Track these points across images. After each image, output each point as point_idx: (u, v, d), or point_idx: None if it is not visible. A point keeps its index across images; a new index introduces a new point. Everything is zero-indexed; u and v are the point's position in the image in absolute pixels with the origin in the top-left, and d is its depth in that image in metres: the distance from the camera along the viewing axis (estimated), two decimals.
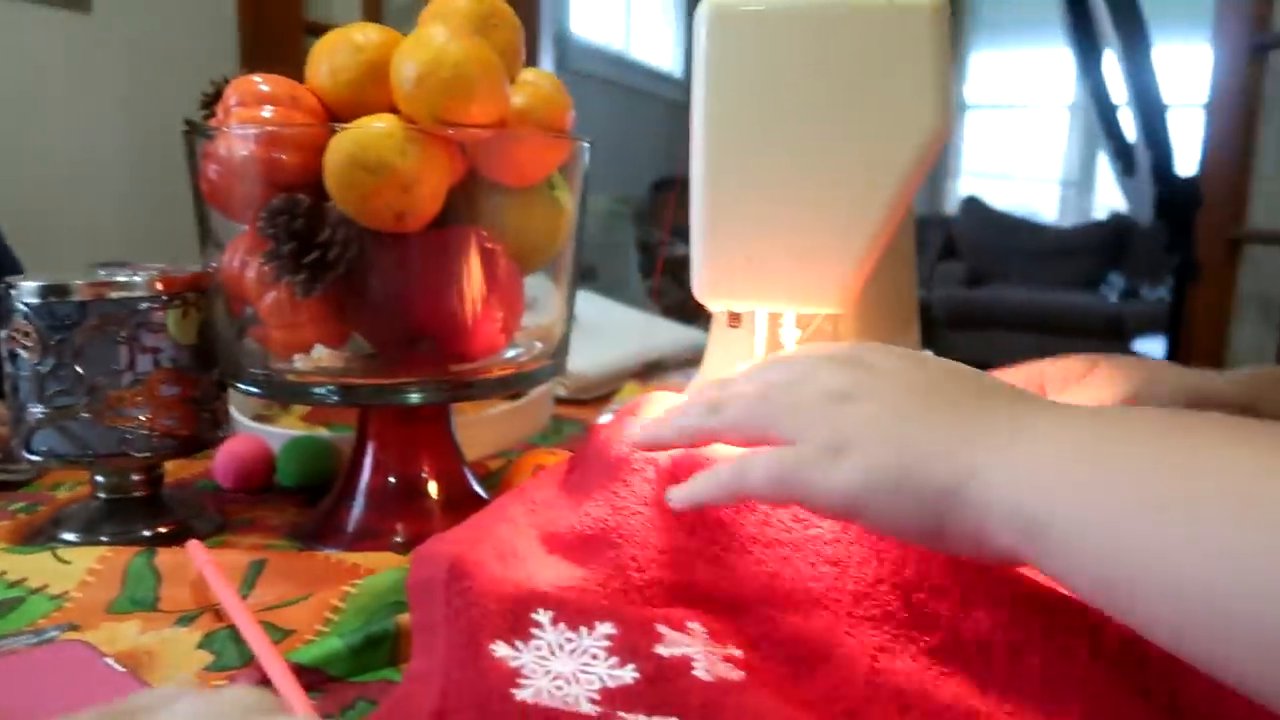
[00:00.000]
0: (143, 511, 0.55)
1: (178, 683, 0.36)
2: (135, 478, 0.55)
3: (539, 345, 0.56)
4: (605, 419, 0.80)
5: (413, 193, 0.46)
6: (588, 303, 1.20)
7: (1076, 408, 0.33)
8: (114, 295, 0.51)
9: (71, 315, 0.50)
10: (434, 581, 0.38)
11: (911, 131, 0.43)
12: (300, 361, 0.50)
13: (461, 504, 0.56)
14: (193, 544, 0.48)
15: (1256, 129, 1.80)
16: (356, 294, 0.50)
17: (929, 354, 0.39)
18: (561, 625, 0.37)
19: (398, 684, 0.37)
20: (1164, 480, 0.27)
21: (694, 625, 0.38)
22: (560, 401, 0.86)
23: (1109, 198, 4.82)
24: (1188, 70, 3.19)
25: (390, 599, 0.43)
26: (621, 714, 0.32)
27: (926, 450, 0.32)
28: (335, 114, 0.50)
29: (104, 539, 0.53)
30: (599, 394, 0.90)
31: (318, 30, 2.14)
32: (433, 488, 0.55)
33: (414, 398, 0.50)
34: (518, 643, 0.35)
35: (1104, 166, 5.01)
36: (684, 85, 4.97)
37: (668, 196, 3.47)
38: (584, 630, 0.36)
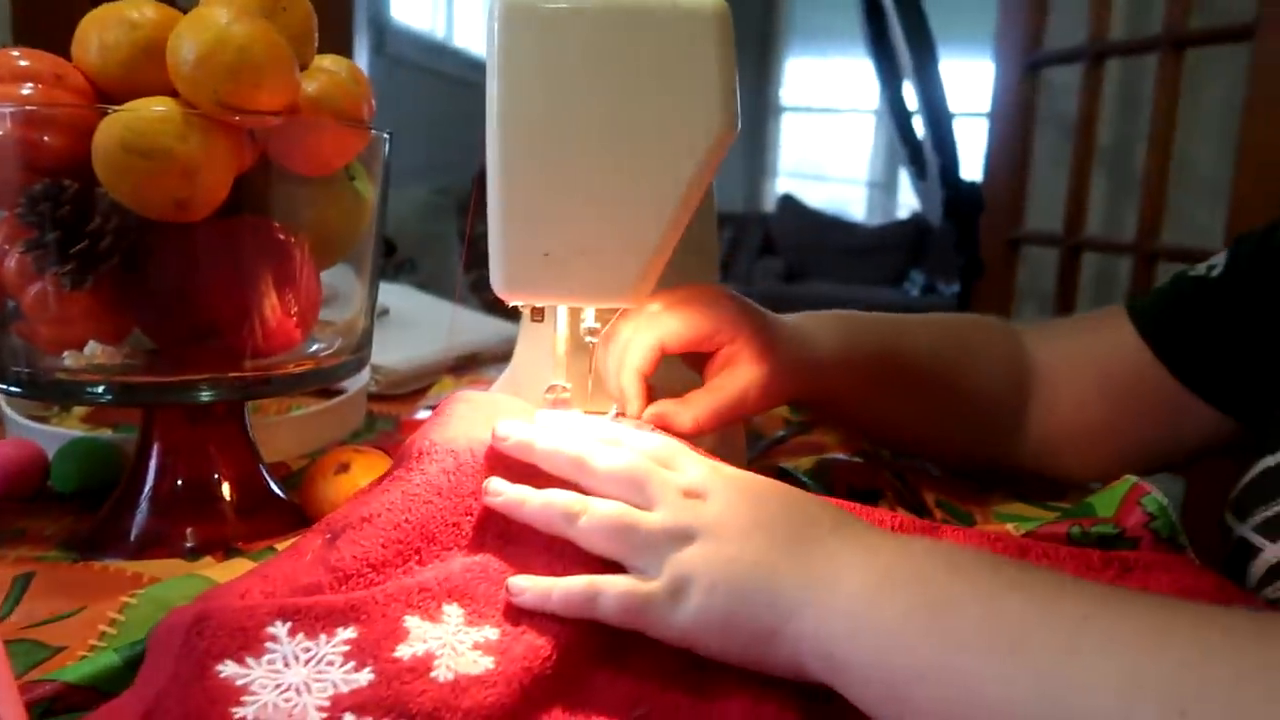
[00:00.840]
0: None
1: None
2: None
3: (340, 341, 0.54)
4: (421, 415, 0.79)
5: (194, 180, 0.44)
6: (401, 296, 1.17)
7: (879, 542, 0.37)
8: None
9: None
10: (177, 626, 0.36)
11: (698, 132, 0.45)
12: (70, 359, 0.47)
13: (258, 507, 0.54)
14: None
15: (1031, 138, 1.98)
16: (135, 286, 0.47)
17: (757, 479, 0.42)
18: (300, 635, 0.35)
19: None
20: (927, 621, 0.33)
21: (451, 608, 0.38)
22: (373, 397, 0.84)
23: (910, 199, 5.16)
24: (972, 83, 3.45)
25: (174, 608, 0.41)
26: (349, 718, 0.31)
27: (752, 595, 0.36)
28: (105, 94, 0.47)
29: None
30: (412, 389, 0.88)
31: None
32: (226, 490, 0.53)
33: (203, 396, 0.48)
34: (249, 659, 0.34)
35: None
36: None
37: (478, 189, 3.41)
38: (323, 637, 0.35)
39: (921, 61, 1.68)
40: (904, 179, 5.48)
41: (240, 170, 0.47)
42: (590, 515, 0.39)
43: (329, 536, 0.43)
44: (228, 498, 0.53)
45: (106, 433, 0.64)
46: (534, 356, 0.58)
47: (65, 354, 0.47)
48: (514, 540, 0.41)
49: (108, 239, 0.44)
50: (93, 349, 0.47)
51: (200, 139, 0.44)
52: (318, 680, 0.33)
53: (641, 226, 0.44)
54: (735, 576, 0.36)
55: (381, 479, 0.47)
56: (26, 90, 0.45)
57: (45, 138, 0.44)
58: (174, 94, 0.46)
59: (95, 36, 0.46)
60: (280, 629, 0.35)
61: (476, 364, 0.99)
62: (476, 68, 4.76)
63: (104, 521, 0.52)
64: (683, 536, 0.38)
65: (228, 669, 0.33)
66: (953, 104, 1.85)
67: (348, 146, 0.51)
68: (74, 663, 0.37)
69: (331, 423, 0.71)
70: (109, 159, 0.43)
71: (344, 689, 0.33)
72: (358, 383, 0.75)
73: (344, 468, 0.55)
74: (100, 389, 0.46)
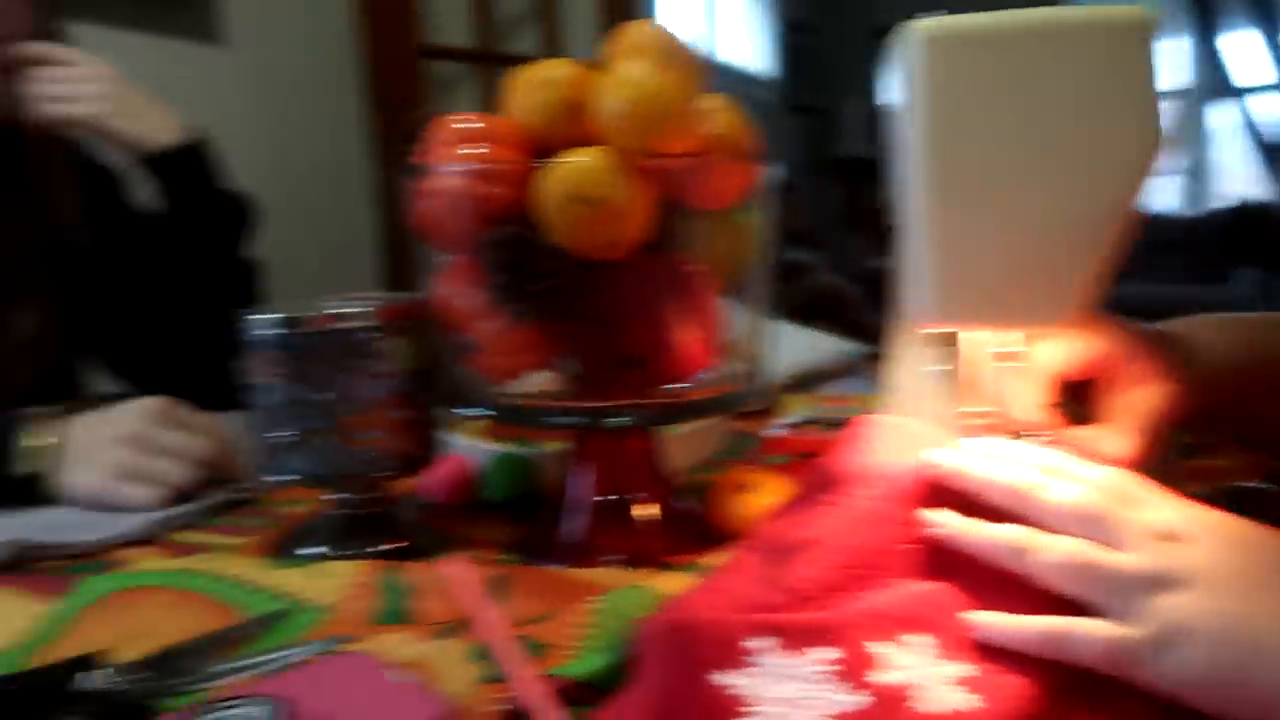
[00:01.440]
0: (374, 528, 0.59)
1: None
2: (366, 496, 0.59)
3: (740, 364, 0.57)
4: (773, 431, 0.82)
5: (625, 222, 0.49)
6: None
7: None
8: (344, 326, 0.55)
9: (309, 345, 0.54)
10: (658, 635, 0.40)
11: (1130, 147, 0.44)
12: (522, 386, 0.53)
13: (671, 522, 0.58)
14: (448, 560, 0.51)
15: None
16: (569, 320, 0.52)
17: (1235, 520, 0.40)
18: (780, 651, 0.38)
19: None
20: None
21: (917, 639, 0.39)
22: None
23: (1233, 185, 4.62)
24: None
25: (634, 616, 0.45)
26: None
27: (1259, 653, 0.34)
28: (536, 147, 0.52)
29: (345, 554, 0.57)
30: (759, 407, 0.91)
31: (432, 54, 2.22)
32: (645, 507, 0.58)
33: (629, 420, 0.52)
34: (736, 670, 0.37)
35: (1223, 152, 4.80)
36: (771, 86, 5.01)
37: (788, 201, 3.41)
38: (802, 656, 0.38)
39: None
40: (1217, 164, 4.91)
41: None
42: (1045, 552, 0.39)
43: (768, 557, 0.46)
44: (647, 514, 0.58)
45: (517, 447, 0.72)
46: (918, 381, 0.58)
47: (519, 381, 0.53)
48: (961, 571, 0.42)
49: (551, 279, 0.50)
50: (538, 377, 0.53)
51: (629, 184, 0.49)
52: (808, 696, 0.35)
53: (1076, 246, 0.44)
54: (1234, 631, 0.35)
55: (803, 502, 0.49)
56: (472, 150, 0.52)
57: (492, 190, 0.51)
58: (591, 143, 0.51)
59: (522, 97, 0.52)
60: (760, 644, 0.38)
61: (814, 381, 1.01)
62: (744, 81, 4.82)
63: (539, 531, 0.59)
64: (1163, 582, 0.36)
65: (720, 678, 0.36)
66: None
67: (743, 180, 0.54)
68: (567, 661, 0.43)
69: (703, 441, 0.75)
70: (554, 206, 0.49)
71: (839, 708, 0.35)
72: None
73: (744, 487, 0.58)
74: (560, 415, 0.52)
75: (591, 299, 0.51)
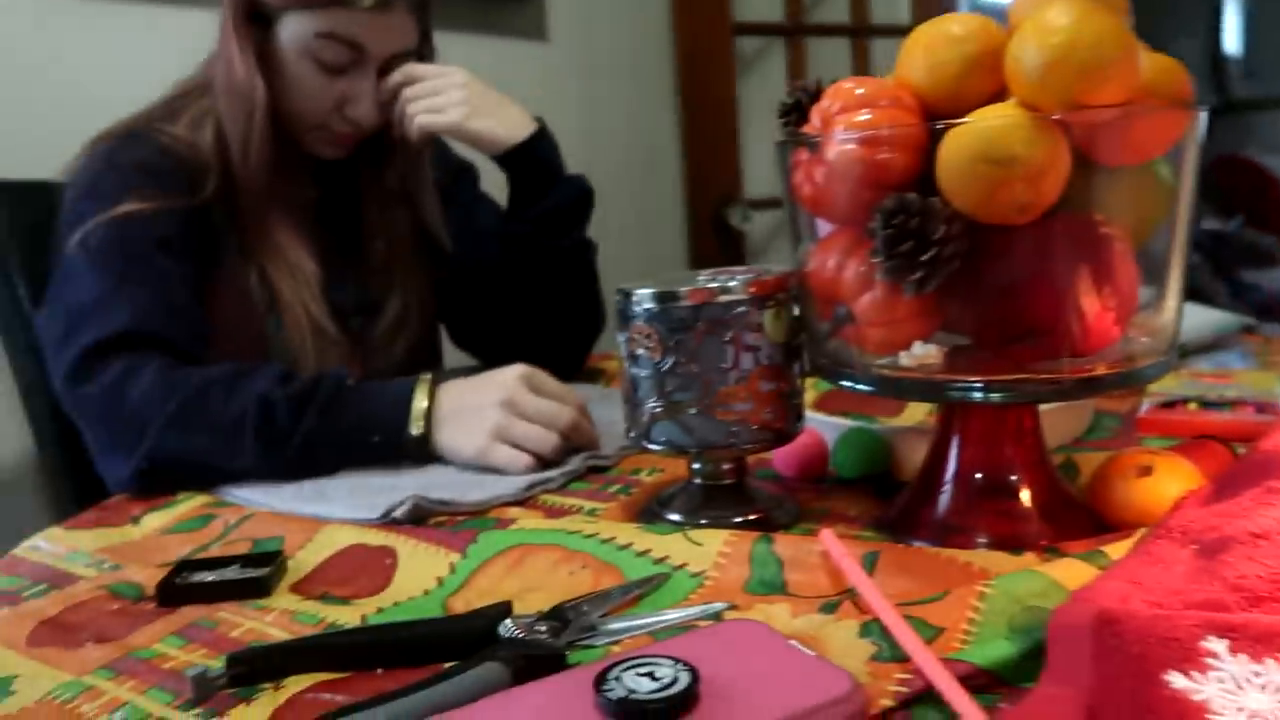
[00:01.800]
0: (732, 498, 0.59)
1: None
2: (725, 466, 0.59)
3: (1145, 339, 0.51)
4: (1145, 411, 0.73)
5: (1039, 184, 0.45)
6: None
7: None
8: (720, 299, 0.55)
9: (686, 318, 0.55)
10: (1081, 626, 0.36)
11: None
12: (905, 358, 0.50)
13: (1055, 510, 0.53)
14: (826, 533, 0.50)
15: None
16: (961, 290, 0.49)
17: None
18: (1242, 656, 0.33)
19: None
20: None
21: None
22: None
23: None
24: None
25: (1025, 604, 0.42)
26: None
27: None
28: (932, 109, 0.50)
29: (704, 521, 0.57)
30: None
31: (744, 30, 2.23)
32: (1023, 489, 0.53)
33: (1028, 396, 0.48)
34: (1194, 674, 0.32)
35: None
36: None
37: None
38: (1271, 663, 0.32)
39: None
40: None
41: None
42: None
43: (1197, 548, 0.41)
44: (1024, 497, 0.53)
45: (852, 421, 0.70)
46: None
47: (900, 354, 0.51)
48: None
49: (951, 246, 0.47)
50: (924, 349, 0.50)
51: (1046, 142, 0.44)
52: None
53: None
54: None
55: (1234, 490, 0.43)
56: (865, 115, 0.50)
57: (890, 156, 0.48)
58: (996, 100, 0.47)
59: (921, 55, 0.49)
60: (1218, 645, 0.33)
61: (1183, 355, 0.90)
62: None
63: (907, 507, 0.56)
64: None
65: (1177, 681, 0.32)
66: None
67: (1170, 132, 0.48)
68: (966, 646, 0.40)
69: (1073, 420, 0.69)
70: (959, 170, 0.46)
71: None
72: None
73: (1146, 471, 0.52)
74: (957, 388, 0.49)
75: (992, 267, 0.48)
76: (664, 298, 0.56)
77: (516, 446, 0.72)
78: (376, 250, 1.03)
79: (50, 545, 0.64)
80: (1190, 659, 0.33)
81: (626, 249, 2.16)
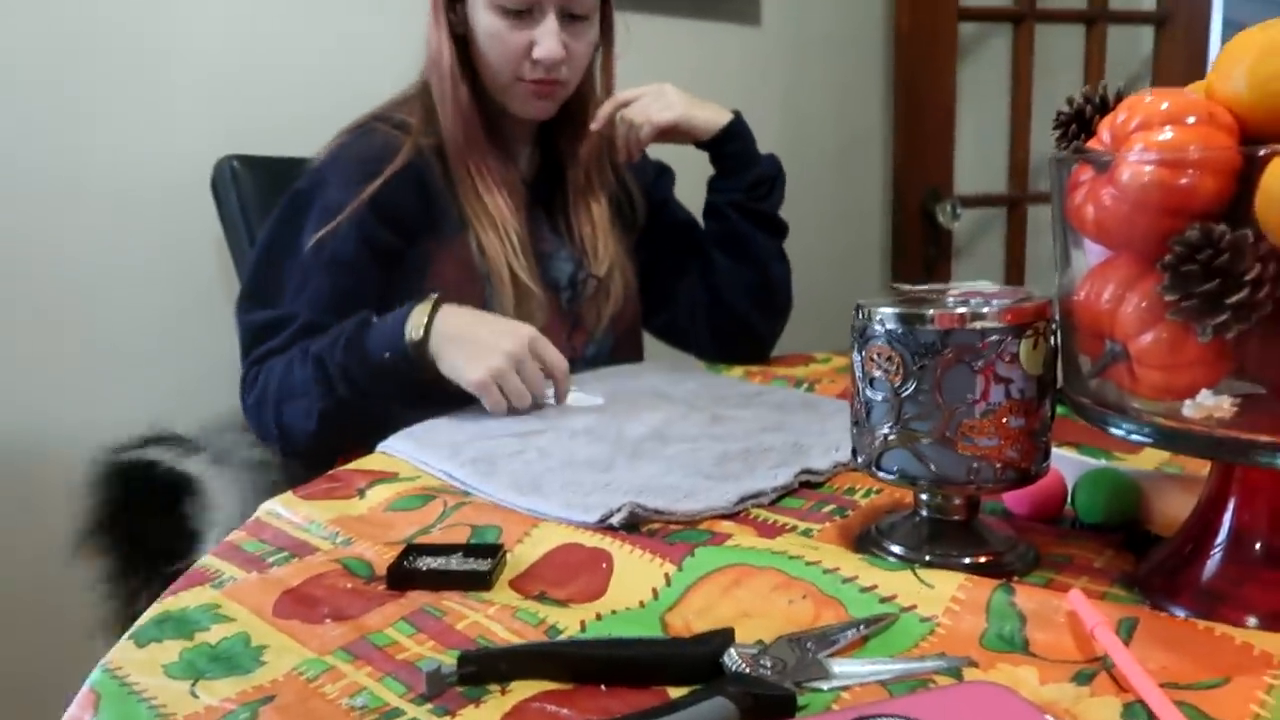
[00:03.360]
0: (961, 536, 0.55)
1: None
2: (957, 501, 0.55)
3: None
4: None
5: None
6: None
7: None
8: (972, 326, 0.51)
9: (932, 342, 0.51)
10: None
11: None
12: (1189, 407, 0.45)
13: None
14: (1075, 594, 0.46)
15: None
16: (1263, 333, 0.43)
17: None
18: None
19: None
20: None
21: None
22: None
23: None
24: None
25: None
26: None
27: None
28: (1252, 130, 0.44)
29: (928, 558, 0.54)
30: None
31: (971, 16, 2.10)
32: None
33: None
34: None
35: None
36: None
37: None
38: None
39: None
40: None
41: None
42: None
43: None
44: None
45: (1113, 463, 0.64)
46: None
47: (1185, 403, 0.45)
48: None
49: (1265, 288, 0.41)
50: (1213, 399, 0.44)
51: None
52: None
53: None
54: None
55: None
56: (1168, 134, 0.44)
57: (1193, 181, 0.43)
58: None
59: (1244, 66, 0.43)
60: None
61: None
62: None
63: (1165, 566, 0.51)
64: None
65: None
66: None
67: None
68: None
69: None
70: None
71: None
72: None
73: None
74: (1242, 445, 0.43)
75: None
76: (909, 319, 0.52)
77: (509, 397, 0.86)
78: (581, 222, 1.12)
79: (288, 512, 0.68)
80: None
81: (824, 237, 2.10)
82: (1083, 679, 0.41)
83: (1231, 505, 0.49)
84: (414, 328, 0.88)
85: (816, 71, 2.13)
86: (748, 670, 0.43)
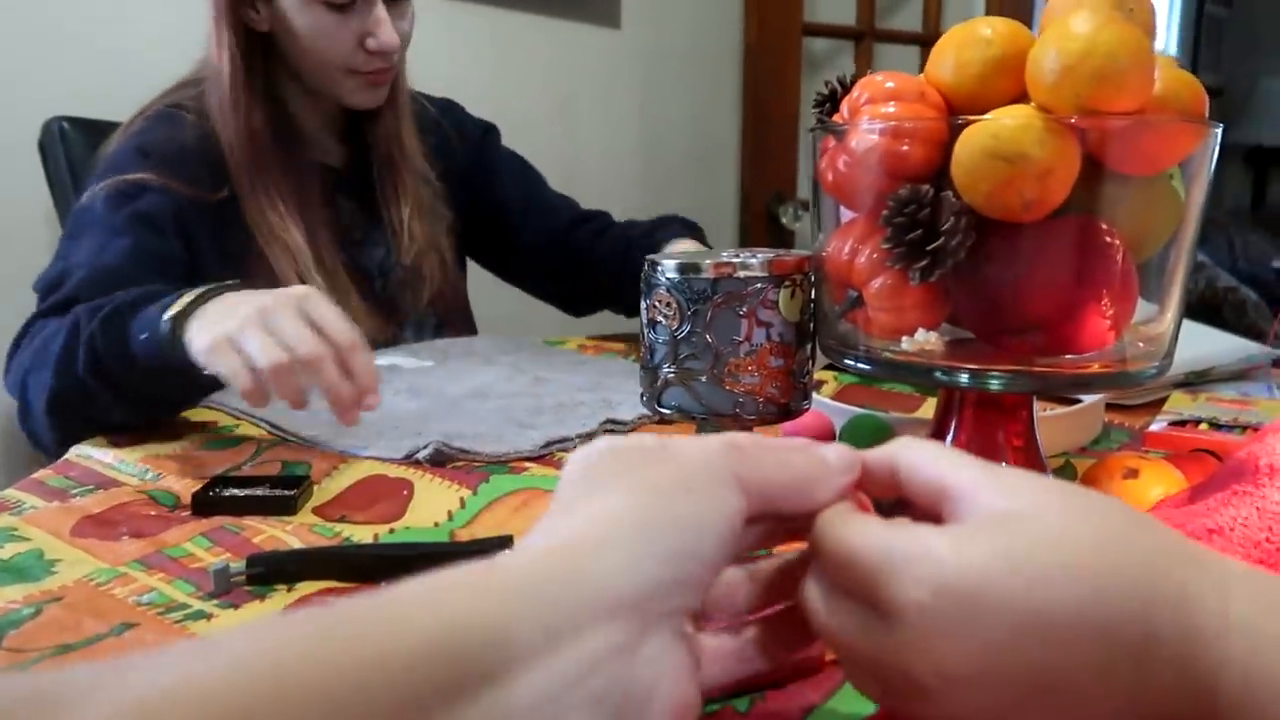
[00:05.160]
0: None
1: None
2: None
3: (1140, 345, 0.53)
4: (1155, 427, 0.74)
5: (1045, 182, 0.47)
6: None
7: None
8: (739, 275, 0.57)
9: (704, 289, 0.58)
10: None
11: None
12: (906, 343, 0.53)
13: None
14: None
15: None
16: (966, 282, 0.51)
17: None
18: None
19: None
20: None
21: None
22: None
23: None
24: None
25: None
26: None
27: None
28: (955, 107, 0.52)
29: None
30: (1145, 400, 0.83)
31: (815, 32, 2.24)
32: None
33: (1016, 385, 0.50)
34: None
35: None
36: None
37: None
38: None
39: None
40: None
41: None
42: None
43: None
44: None
45: (879, 413, 0.72)
46: None
47: (903, 339, 0.53)
48: None
49: (956, 238, 0.49)
50: (926, 336, 0.52)
51: (1055, 144, 0.46)
52: None
53: None
54: None
55: (1207, 492, 0.45)
56: (892, 108, 0.52)
57: (909, 148, 0.50)
58: (1017, 102, 0.49)
59: (951, 54, 0.51)
60: None
61: (1206, 380, 0.90)
62: None
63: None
64: None
65: None
66: None
67: (1183, 145, 0.49)
68: None
69: (1075, 428, 0.70)
70: (971, 164, 0.48)
71: None
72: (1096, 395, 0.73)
73: (1132, 473, 0.53)
74: (936, 370, 0.51)
75: (996, 262, 0.50)
76: (686, 269, 0.58)
77: (239, 356, 0.63)
78: (390, 206, 1.09)
79: (99, 453, 0.69)
80: None
81: None
82: None
83: (950, 435, 0.57)
84: (174, 309, 0.68)
85: (674, 78, 2.21)
86: None
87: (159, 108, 0.99)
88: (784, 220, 2.20)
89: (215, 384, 0.69)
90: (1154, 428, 0.74)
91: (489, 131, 1.25)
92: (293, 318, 0.64)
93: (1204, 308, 2.25)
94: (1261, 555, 0.39)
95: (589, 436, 0.73)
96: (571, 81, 2.01)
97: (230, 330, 0.64)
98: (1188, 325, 1.05)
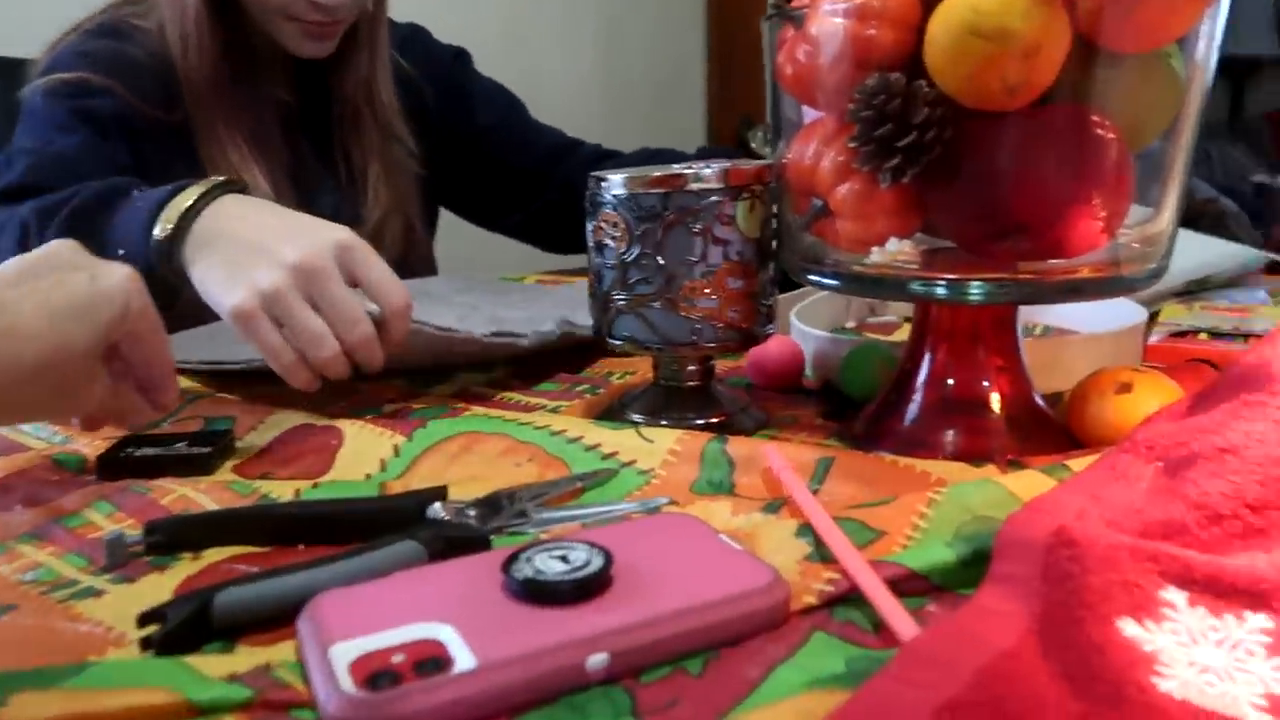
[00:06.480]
0: (696, 401, 0.57)
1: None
2: (691, 368, 0.57)
3: (1136, 246, 0.48)
4: (1154, 339, 0.70)
5: (1032, 62, 0.41)
6: None
7: None
8: (691, 187, 0.52)
9: (653, 206, 0.52)
10: (1033, 541, 0.34)
11: None
12: (877, 254, 0.47)
13: (1024, 422, 0.51)
14: (770, 447, 0.48)
15: None
16: (941, 182, 0.46)
17: None
18: (1200, 609, 0.30)
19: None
20: None
21: None
22: None
23: None
24: None
25: (977, 513, 0.40)
26: None
27: None
28: None
29: (664, 422, 0.55)
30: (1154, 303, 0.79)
31: None
32: (995, 401, 0.51)
33: (1002, 295, 0.45)
34: (1148, 623, 0.30)
35: None
36: None
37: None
38: (1230, 619, 0.30)
39: None
40: None
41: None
42: None
43: (1162, 464, 0.38)
44: (996, 409, 0.51)
45: (880, 341, 0.66)
46: None
47: (873, 250, 0.47)
48: None
49: (932, 131, 0.43)
50: (898, 245, 0.47)
51: (1042, 16, 0.40)
52: (1241, 671, 0.28)
53: None
54: None
55: (1209, 405, 0.40)
56: None
57: (874, 32, 0.44)
58: None
59: None
60: (1177, 597, 0.31)
61: (1205, 288, 0.86)
62: None
63: (874, 418, 0.53)
64: None
65: (1129, 628, 0.30)
66: None
67: (1182, 17, 0.44)
68: (904, 549, 0.38)
69: (1112, 351, 0.64)
70: (947, 45, 0.42)
71: (1274, 689, 0.27)
72: (1129, 315, 0.66)
73: (1125, 388, 0.49)
74: (918, 285, 0.46)
75: (976, 157, 0.44)
76: (633, 183, 0.53)
77: (277, 340, 0.55)
78: (352, 156, 1.00)
79: None
80: (1147, 608, 0.30)
81: None
82: (771, 509, 0.43)
83: (926, 359, 0.52)
84: (167, 220, 0.60)
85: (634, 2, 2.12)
86: (448, 518, 0.42)
87: (99, 20, 0.91)
88: (754, 145, 2.13)
89: (197, 313, 0.60)
90: (1152, 340, 0.70)
91: (459, 57, 1.14)
92: (340, 289, 0.55)
93: (1185, 221, 2.21)
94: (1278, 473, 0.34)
95: (545, 339, 0.66)
96: (525, 2, 1.92)
97: (263, 287, 0.54)
98: (1180, 232, 1.00)
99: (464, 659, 0.30)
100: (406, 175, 1.04)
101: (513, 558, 0.35)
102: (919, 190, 0.46)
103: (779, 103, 0.52)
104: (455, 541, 0.40)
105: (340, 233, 0.57)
